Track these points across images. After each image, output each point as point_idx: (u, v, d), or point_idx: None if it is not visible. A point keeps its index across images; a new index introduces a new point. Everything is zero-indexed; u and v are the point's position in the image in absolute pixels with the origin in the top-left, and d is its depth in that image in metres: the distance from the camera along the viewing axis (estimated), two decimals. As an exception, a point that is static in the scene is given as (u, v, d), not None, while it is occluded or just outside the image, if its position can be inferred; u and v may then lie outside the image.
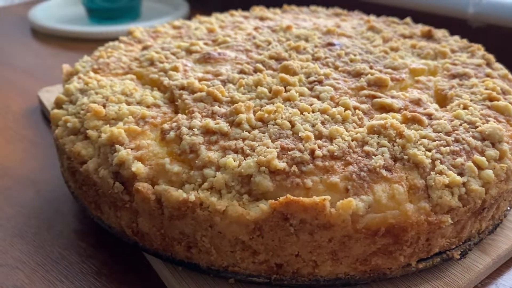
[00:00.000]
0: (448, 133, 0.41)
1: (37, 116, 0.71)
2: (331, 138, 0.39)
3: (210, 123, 0.40)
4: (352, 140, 0.39)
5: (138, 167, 0.38)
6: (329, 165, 0.37)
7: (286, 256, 0.37)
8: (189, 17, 1.10)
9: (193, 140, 0.39)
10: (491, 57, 0.55)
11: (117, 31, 1.03)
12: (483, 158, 0.39)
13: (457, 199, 0.37)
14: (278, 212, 0.34)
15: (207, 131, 0.40)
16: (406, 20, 0.69)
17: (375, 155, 0.38)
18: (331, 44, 0.56)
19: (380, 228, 0.35)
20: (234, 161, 0.37)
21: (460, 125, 0.42)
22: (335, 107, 0.43)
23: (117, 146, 0.40)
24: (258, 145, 0.38)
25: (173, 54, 0.56)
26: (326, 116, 0.42)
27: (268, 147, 0.38)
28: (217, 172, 0.37)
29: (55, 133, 0.46)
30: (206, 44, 0.58)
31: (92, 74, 0.53)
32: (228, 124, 0.41)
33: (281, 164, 0.36)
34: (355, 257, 0.37)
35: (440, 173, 0.37)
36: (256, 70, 0.50)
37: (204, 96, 0.45)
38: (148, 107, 0.45)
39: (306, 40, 0.58)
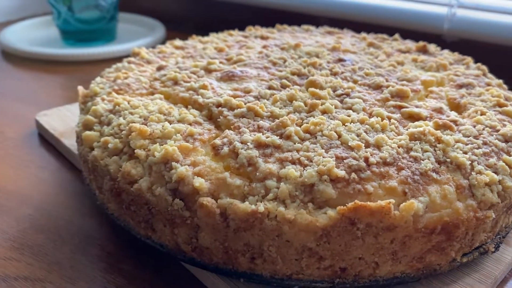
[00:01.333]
0: (476, 137, 0.44)
1: (36, 141, 0.68)
2: (378, 146, 0.42)
3: (262, 137, 0.42)
4: (398, 147, 0.41)
5: (200, 182, 0.38)
6: (385, 171, 0.39)
7: (351, 259, 0.38)
8: (165, 39, 1.11)
9: (249, 154, 0.40)
10: (485, 68, 0.61)
11: (93, 53, 1.02)
12: (511, 158, 0.43)
13: (496, 195, 0.40)
14: (346, 218, 0.36)
15: (259, 145, 0.41)
16: (395, 37, 0.74)
17: (423, 160, 0.40)
18: (341, 60, 0.60)
19: (436, 226, 0.38)
20: (295, 171, 0.38)
21: (483, 129, 0.46)
22: (370, 117, 0.46)
23: (173, 163, 0.40)
24: (314, 155, 0.40)
25: (193, 73, 0.56)
26: (366, 126, 0.44)
27: (323, 157, 0.40)
28: (280, 183, 0.38)
29: (94, 155, 0.45)
30: (221, 63, 0.59)
31: (115, 95, 0.52)
32: (278, 137, 0.42)
33: (341, 172, 0.38)
34: (412, 256, 0.39)
35: (479, 173, 0.40)
36: (283, 86, 0.52)
37: (245, 112, 0.46)
38: (190, 124, 0.46)
39: (317, 56, 0.61)
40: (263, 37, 0.71)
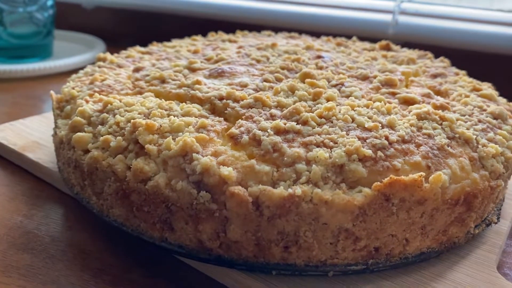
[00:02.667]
0: (470, 115, 0.47)
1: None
2: (391, 127, 0.42)
3: (280, 123, 0.41)
4: (410, 126, 0.43)
5: (229, 170, 0.36)
6: (406, 148, 0.40)
7: (384, 237, 0.38)
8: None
9: (273, 140, 0.39)
10: (448, 60, 0.65)
11: (28, 70, 0.94)
12: (504, 132, 0.46)
13: (501, 166, 0.43)
14: (382, 194, 0.36)
15: (279, 131, 0.40)
16: (353, 39, 0.77)
17: (435, 136, 0.42)
18: (320, 57, 0.61)
19: (460, 197, 0.39)
20: (324, 153, 0.38)
21: (473, 109, 0.49)
22: (374, 102, 0.47)
23: (194, 155, 0.38)
24: (337, 137, 0.40)
25: (177, 72, 0.54)
26: (374, 110, 0.45)
27: (347, 138, 0.40)
28: (310, 166, 0.37)
29: (92, 157, 0.41)
30: (202, 62, 0.58)
31: (100, 96, 0.49)
32: (294, 123, 0.42)
33: (368, 151, 0.38)
34: (438, 229, 0.40)
35: (485, 146, 0.43)
36: (277, 79, 0.51)
37: (252, 102, 0.45)
38: (196, 118, 0.43)
39: (296, 54, 0.61)
40: (231, 41, 0.70)
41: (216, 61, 0.58)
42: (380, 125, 0.42)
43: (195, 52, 0.62)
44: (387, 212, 0.37)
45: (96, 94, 0.49)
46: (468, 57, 0.86)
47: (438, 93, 0.54)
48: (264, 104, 0.45)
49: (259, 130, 0.40)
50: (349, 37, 0.95)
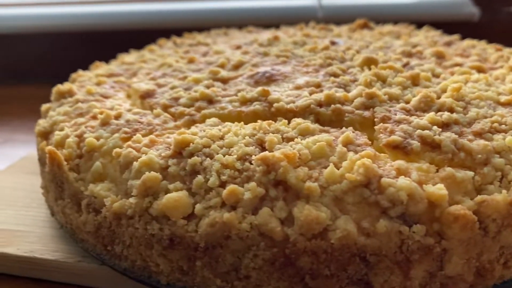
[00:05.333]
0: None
1: None
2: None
3: (435, 116, 0.33)
4: None
5: (439, 188, 0.27)
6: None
7: None
8: None
9: (451, 137, 0.31)
10: (431, 27, 0.64)
11: None
12: None
13: None
14: None
15: (438, 125, 0.32)
16: (312, 25, 0.71)
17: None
18: (334, 43, 0.53)
19: None
20: None
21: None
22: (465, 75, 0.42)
23: (383, 180, 0.28)
24: (500, 118, 0.33)
25: (207, 87, 0.41)
26: (481, 83, 0.40)
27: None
28: (503, 158, 0.30)
29: (222, 221, 0.28)
30: (229, 71, 0.45)
31: (152, 136, 0.34)
32: (436, 112, 0.34)
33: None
34: None
35: None
36: (334, 74, 0.42)
37: (366, 101, 0.36)
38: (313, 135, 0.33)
39: (305, 44, 0.53)
40: (200, 43, 0.58)
41: (236, 66, 0.46)
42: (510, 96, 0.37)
43: (191, 61, 0.49)
44: None
45: (139, 135, 0.34)
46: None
47: (467, 57, 0.52)
48: (380, 100, 0.36)
49: (421, 129, 0.32)
50: (278, 26, 0.89)
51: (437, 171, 0.30)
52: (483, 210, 0.28)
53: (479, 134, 0.32)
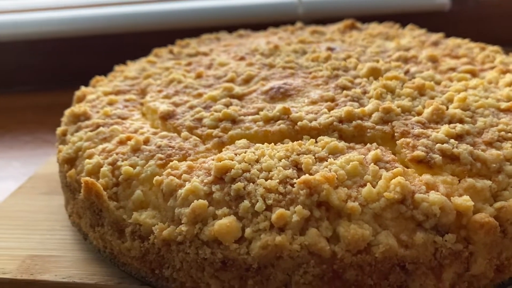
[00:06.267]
0: None
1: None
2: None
3: (449, 129, 0.36)
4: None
5: (465, 199, 0.31)
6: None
7: None
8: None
9: (468, 149, 0.34)
10: (415, 26, 0.67)
11: None
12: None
13: None
14: None
15: (456, 137, 0.36)
16: (297, 25, 0.73)
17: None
18: (332, 49, 0.56)
19: None
20: (518, 146, 0.35)
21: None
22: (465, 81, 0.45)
23: (416, 196, 0.31)
24: (506, 127, 0.37)
25: (225, 105, 0.43)
26: (479, 89, 0.43)
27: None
28: (513, 165, 0.34)
29: (274, 244, 0.30)
30: (240, 86, 0.47)
31: (188, 162, 0.36)
32: (449, 124, 0.37)
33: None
34: None
35: None
36: (345, 87, 0.44)
37: (383, 115, 0.39)
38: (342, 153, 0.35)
39: (305, 52, 0.55)
40: (205, 54, 0.59)
41: (247, 81, 0.48)
42: (508, 102, 0.41)
43: (199, 76, 0.50)
44: None
45: (175, 162, 0.36)
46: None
47: (457, 57, 0.55)
48: (396, 113, 0.39)
49: (440, 143, 0.35)
50: (258, 25, 0.91)
51: (459, 181, 0.33)
52: (503, 215, 0.32)
53: (489, 144, 0.35)
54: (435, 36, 0.61)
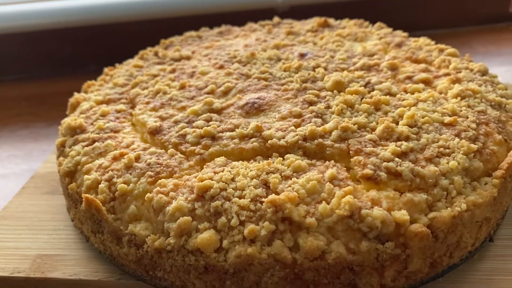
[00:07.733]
0: (472, 80, 0.55)
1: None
2: (455, 114, 0.47)
3: (395, 147, 0.42)
4: (468, 107, 0.48)
5: (402, 214, 0.38)
6: (485, 131, 0.46)
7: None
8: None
9: (408, 166, 0.41)
10: (384, 24, 0.72)
11: None
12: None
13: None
14: (504, 178, 0.42)
15: (400, 156, 0.42)
16: (277, 20, 0.77)
17: (487, 111, 0.49)
18: (303, 55, 0.61)
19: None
20: (453, 162, 0.41)
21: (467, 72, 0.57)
22: (417, 92, 0.51)
23: (363, 211, 0.37)
24: (446, 143, 0.43)
25: (206, 120, 0.49)
26: (428, 103, 0.49)
27: (449, 141, 0.44)
28: (447, 179, 0.40)
29: (246, 254, 0.37)
30: (219, 98, 0.53)
31: (174, 180, 0.42)
32: (396, 142, 0.43)
33: (474, 146, 0.43)
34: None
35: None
36: (310, 102, 0.50)
37: (341, 133, 0.44)
38: (304, 172, 0.42)
39: (280, 59, 0.60)
40: (188, 58, 0.64)
41: (225, 93, 0.53)
42: (451, 117, 0.47)
43: (182, 87, 0.56)
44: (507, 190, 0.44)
45: (163, 180, 0.42)
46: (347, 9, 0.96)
47: (416, 61, 0.61)
48: (352, 131, 0.45)
49: (386, 161, 0.41)
50: (235, 14, 0.95)
51: (400, 195, 0.40)
52: (435, 224, 0.38)
53: (429, 160, 0.42)
54: (399, 38, 0.66)
